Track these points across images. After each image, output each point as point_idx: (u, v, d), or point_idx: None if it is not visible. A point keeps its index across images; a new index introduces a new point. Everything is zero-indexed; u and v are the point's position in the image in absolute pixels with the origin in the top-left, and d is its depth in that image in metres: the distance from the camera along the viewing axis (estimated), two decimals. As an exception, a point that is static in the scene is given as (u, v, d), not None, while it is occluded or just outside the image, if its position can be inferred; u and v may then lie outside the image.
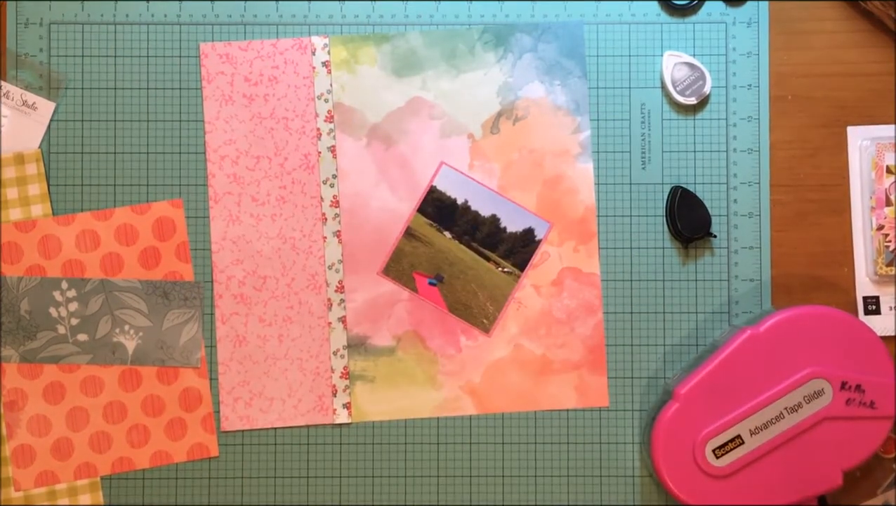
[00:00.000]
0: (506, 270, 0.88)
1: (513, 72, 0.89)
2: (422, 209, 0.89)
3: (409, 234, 0.89)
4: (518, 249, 0.88)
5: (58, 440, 0.86)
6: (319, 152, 0.88)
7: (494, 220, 0.88)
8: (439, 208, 0.89)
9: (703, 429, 0.81)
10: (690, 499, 0.81)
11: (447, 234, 0.89)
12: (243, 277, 0.88)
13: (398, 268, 0.88)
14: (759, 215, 0.89)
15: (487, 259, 0.89)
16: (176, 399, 0.87)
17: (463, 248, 0.89)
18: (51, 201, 0.88)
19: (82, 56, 0.88)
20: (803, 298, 0.88)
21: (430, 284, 0.88)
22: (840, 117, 0.89)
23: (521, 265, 0.88)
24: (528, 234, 0.88)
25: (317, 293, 0.88)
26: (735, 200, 0.89)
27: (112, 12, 0.89)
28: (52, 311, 0.87)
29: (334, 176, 0.88)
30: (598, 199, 0.89)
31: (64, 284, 0.87)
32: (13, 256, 0.87)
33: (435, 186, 0.89)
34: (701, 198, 0.88)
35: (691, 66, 0.88)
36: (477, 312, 0.88)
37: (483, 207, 0.89)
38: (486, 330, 0.88)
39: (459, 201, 0.89)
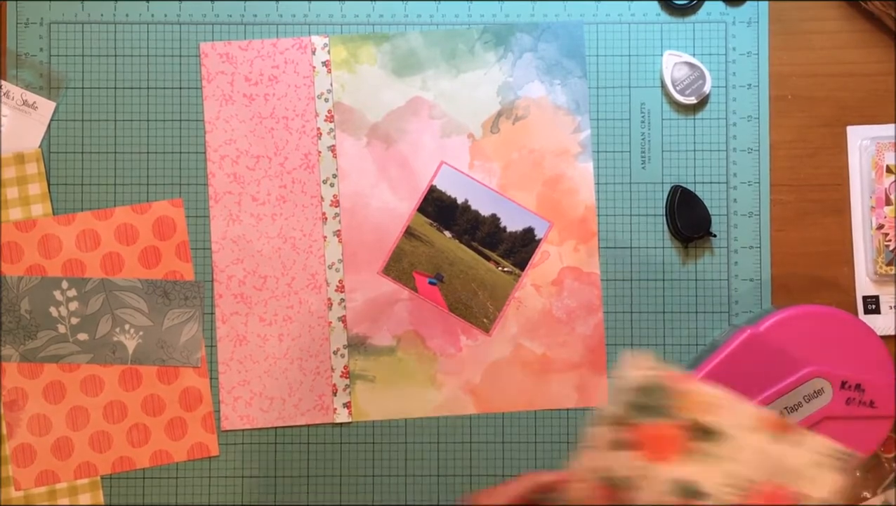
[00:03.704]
0: (506, 269, 0.88)
1: (513, 71, 0.89)
2: (422, 209, 0.89)
3: (409, 233, 0.89)
4: (518, 249, 0.88)
5: (58, 440, 0.86)
6: (319, 152, 0.88)
7: (494, 219, 0.88)
8: (439, 208, 0.89)
9: (703, 428, 0.81)
10: (690, 498, 0.81)
11: (447, 233, 0.89)
12: (243, 276, 0.88)
13: (398, 267, 0.88)
14: (759, 215, 0.89)
15: (487, 258, 0.89)
16: (176, 399, 0.87)
17: (463, 247, 0.89)
18: (51, 201, 0.88)
19: (82, 56, 0.88)
20: (803, 298, 0.88)
21: (431, 283, 0.88)
22: (840, 117, 0.89)
23: (521, 264, 0.88)
24: (528, 233, 0.88)
25: (317, 293, 0.88)
26: (735, 200, 0.89)
27: (112, 12, 0.89)
28: (53, 310, 0.87)
29: (334, 175, 0.88)
30: (598, 198, 0.89)
31: (64, 284, 0.87)
32: (13, 256, 0.87)
33: (435, 186, 0.89)
34: (701, 197, 0.88)
35: (691, 65, 0.88)
36: (477, 312, 0.88)
37: (483, 206, 0.89)
38: (486, 329, 0.88)
39: (459, 201, 0.89)
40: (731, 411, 0.67)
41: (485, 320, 0.88)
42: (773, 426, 0.67)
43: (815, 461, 0.66)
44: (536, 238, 0.88)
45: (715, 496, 0.64)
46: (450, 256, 0.88)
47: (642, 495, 0.65)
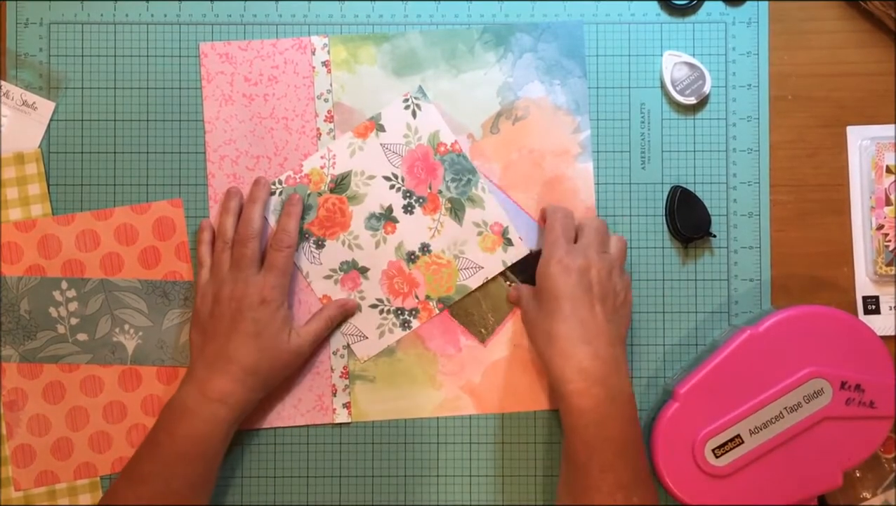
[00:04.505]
0: (513, 284, 0.88)
1: (513, 72, 0.89)
2: None
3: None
4: (529, 266, 0.87)
5: (58, 440, 0.86)
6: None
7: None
8: None
9: (703, 429, 0.81)
10: (690, 499, 0.81)
11: None
12: (243, 276, 0.88)
13: None
14: (759, 215, 0.89)
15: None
16: (176, 399, 0.87)
17: None
18: (51, 201, 0.88)
19: (82, 56, 0.88)
20: (803, 298, 0.88)
21: None
22: (840, 117, 0.89)
23: (531, 281, 0.85)
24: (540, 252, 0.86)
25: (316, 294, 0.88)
26: (735, 200, 0.89)
27: (112, 12, 0.89)
28: (52, 310, 0.87)
29: (334, 176, 0.88)
30: (598, 199, 0.89)
31: (64, 284, 0.87)
32: (13, 256, 0.87)
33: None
34: (701, 198, 0.88)
35: (691, 65, 0.88)
36: (477, 320, 0.88)
37: None
38: (482, 340, 0.87)
39: None
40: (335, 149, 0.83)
41: (482, 331, 0.88)
42: (365, 130, 0.83)
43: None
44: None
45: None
46: (450, 257, 0.88)
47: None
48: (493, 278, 0.88)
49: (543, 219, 0.86)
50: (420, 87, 0.87)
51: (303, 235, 0.87)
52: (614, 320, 0.80)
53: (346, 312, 0.87)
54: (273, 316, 0.81)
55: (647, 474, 0.78)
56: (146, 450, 0.79)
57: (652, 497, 0.78)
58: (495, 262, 0.87)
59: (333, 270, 0.87)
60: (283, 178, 0.87)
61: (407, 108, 0.87)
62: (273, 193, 0.87)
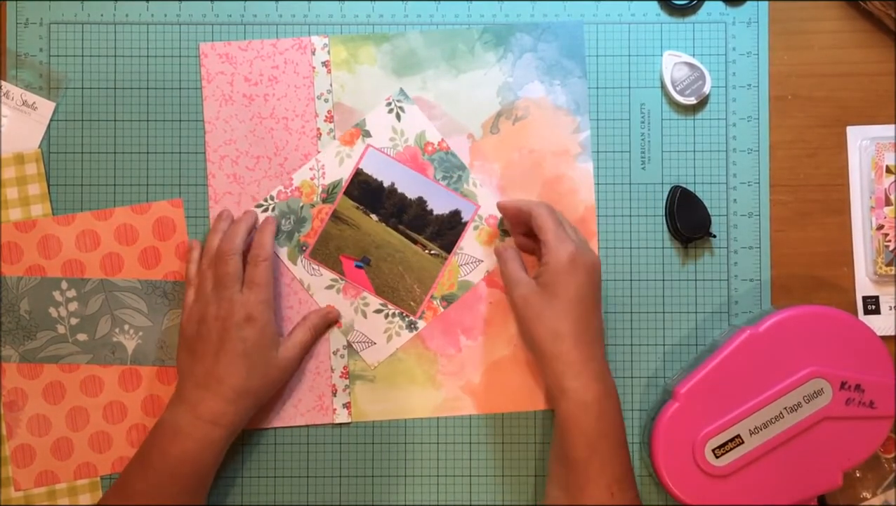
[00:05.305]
0: (433, 252, 0.88)
1: (513, 72, 0.89)
2: (348, 192, 0.88)
3: (335, 217, 0.88)
4: (445, 231, 0.88)
5: (58, 440, 0.86)
6: (319, 152, 0.88)
7: (421, 202, 0.88)
8: (366, 191, 0.88)
9: (703, 429, 0.81)
10: (690, 499, 0.81)
11: (374, 216, 0.88)
12: (243, 276, 0.88)
13: (325, 251, 0.88)
14: (759, 215, 0.89)
15: (414, 241, 0.88)
16: (176, 399, 0.87)
17: (390, 230, 0.87)
18: (51, 201, 0.88)
19: (82, 56, 0.88)
20: (803, 298, 0.88)
21: (357, 266, 0.88)
22: (840, 117, 0.89)
23: (448, 247, 0.88)
24: (455, 216, 0.88)
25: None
26: (735, 200, 0.89)
27: (112, 12, 0.89)
28: (52, 310, 0.87)
29: (334, 176, 0.89)
30: (597, 198, 0.89)
31: (64, 284, 0.87)
32: (13, 256, 0.87)
33: (361, 169, 0.88)
34: (701, 198, 0.88)
35: (691, 66, 0.88)
36: (404, 295, 0.87)
37: (409, 189, 0.88)
38: (413, 312, 0.87)
39: (386, 184, 0.88)
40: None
41: (411, 303, 0.87)
42: (351, 137, 0.82)
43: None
44: (463, 220, 0.88)
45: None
46: (376, 240, 0.88)
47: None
48: (412, 250, 0.87)
49: (505, 211, 0.85)
50: (401, 90, 0.87)
51: (300, 248, 0.87)
52: (601, 315, 0.83)
53: (328, 321, 0.87)
54: (261, 334, 0.81)
55: (631, 467, 0.80)
56: (137, 468, 0.79)
57: (636, 491, 0.79)
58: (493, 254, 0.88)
59: (334, 280, 0.87)
60: (273, 193, 0.87)
61: (390, 111, 0.87)
62: (266, 211, 0.87)
